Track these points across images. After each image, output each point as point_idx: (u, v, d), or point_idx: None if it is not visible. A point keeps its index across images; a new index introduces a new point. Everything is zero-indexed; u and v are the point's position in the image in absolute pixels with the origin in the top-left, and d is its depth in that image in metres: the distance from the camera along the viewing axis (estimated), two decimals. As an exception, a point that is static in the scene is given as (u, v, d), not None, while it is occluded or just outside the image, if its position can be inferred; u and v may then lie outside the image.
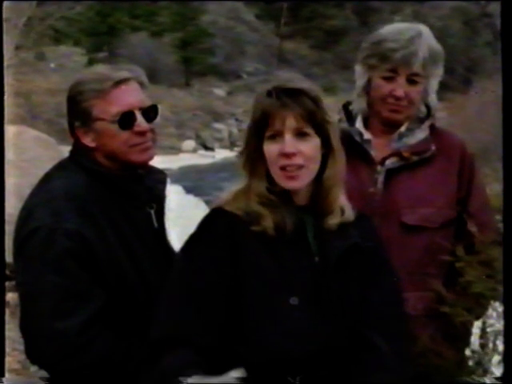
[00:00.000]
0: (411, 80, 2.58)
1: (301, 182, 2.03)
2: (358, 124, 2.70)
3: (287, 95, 2.00)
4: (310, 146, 2.02)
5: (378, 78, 2.61)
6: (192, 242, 2.07)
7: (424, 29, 2.62)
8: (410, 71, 2.57)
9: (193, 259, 2.04)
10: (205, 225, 2.08)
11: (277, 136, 2.00)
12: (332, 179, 2.06)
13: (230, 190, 2.10)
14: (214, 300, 1.99)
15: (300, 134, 2.00)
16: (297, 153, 1.99)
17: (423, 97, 2.65)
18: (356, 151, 2.63)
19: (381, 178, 2.61)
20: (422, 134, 2.66)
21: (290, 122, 1.99)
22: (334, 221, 2.07)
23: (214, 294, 1.99)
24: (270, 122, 2.00)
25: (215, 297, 1.99)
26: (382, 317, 2.08)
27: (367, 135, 2.68)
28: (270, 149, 2.02)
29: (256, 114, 2.03)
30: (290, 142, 1.99)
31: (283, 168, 2.01)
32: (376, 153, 2.65)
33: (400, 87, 2.57)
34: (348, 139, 2.62)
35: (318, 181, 2.06)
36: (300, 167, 2.01)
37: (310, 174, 2.04)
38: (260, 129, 2.02)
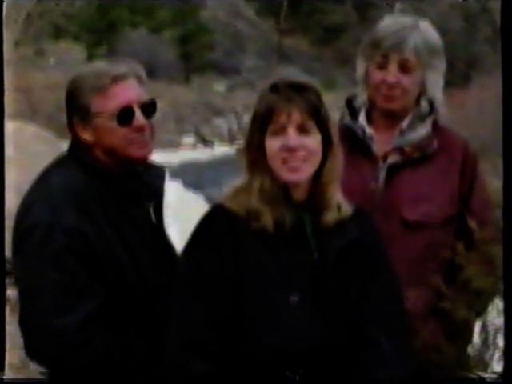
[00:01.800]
0: (403, 67, 2.58)
1: (303, 175, 2.04)
2: (361, 119, 2.70)
3: (293, 89, 2.01)
4: (313, 141, 2.03)
5: (373, 66, 2.62)
6: (193, 242, 2.07)
7: (422, 22, 2.64)
8: (401, 57, 2.58)
9: (196, 261, 2.04)
10: (205, 223, 2.08)
11: (280, 130, 2.01)
12: (330, 175, 2.07)
13: (231, 185, 2.11)
14: (221, 303, 2.00)
15: (303, 129, 2.02)
16: (300, 147, 2.00)
17: (423, 91, 2.64)
18: (358, 147, 2.63)
19: (382, 174, 2.61)
20: (424, 130, 2.66)
21: (295, 117, 2.00)
22: (330, 217, 2.07)
23: (220, 296, 2.00)
24: (274, 116, 2.01)
25: (222, 299, 2.00)
26: (382, 312, 2.09)
27: (369, 131, 2.68)
28: (273, 143, 2.02)
29: (260, 109, 2.04)
30: (293, 137, 2.00)
31: (285, 161, 2.01)
32: (378, 148, 2.65)
33: (391, 74, 2.58)
34: (350, 135, 2.63)
35: (317, 176, 2.06)
36: (302, 160, 2.01)
37: (312, 167, 2.05)
38: (263, 123, 2.03)
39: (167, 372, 2.03)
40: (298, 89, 2.02)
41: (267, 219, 2.02)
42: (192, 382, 1.98)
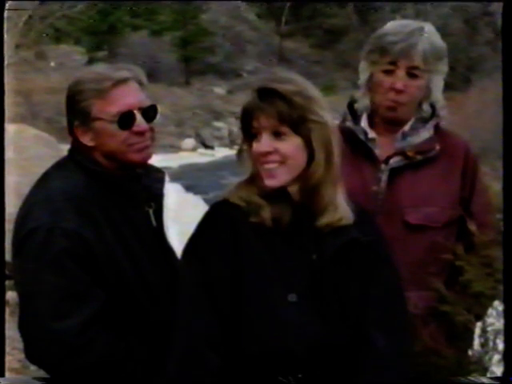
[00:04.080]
0: (411, 74, 2.58)
1: (279, 180, 2.05)
2: (363, 123, 2.71)
3: (260, 95, 2.03)
4: (288, 145, 2.03)
5: (379, 72, 2.62)
6: (195, 241, 2.09)
7: (427, 25, 2.63)
8: (410, 64, 2.57)
9: (200, 262, 2.05)
10: (206, 223, 2.10)
11: (257, 135, 2.04)
12: (315, 179, 2.06)
13: (236, 181, 2.14)
14: (224, 303, 2.00)
15: (276, 133, 2.03)
16: (272, 151, 2.02)
17: (426, 95, 2.65)
18: (360, 150, 2.63)
19: (384, 177, 2.61)
20: (426, 133, 2.66)
21: (263, 122, 2.02)
22: (323, 221, 2.06)
23: (223, 296, 2.01)
24: (250, 120, 2.04)
25: (225, 299, 2.00)
26: (383, 313, 2.09)
27: (372, 134, 2.68)
28: (253, 147, 2.05)
29: (241, 113, 2.07)
30: (265, 141, 2.03)
31: (262, 166, 2.04)
32: (380, 152, 2.65)
33: (400, 80, 2.58)
34: (352, 138, 2.63)
35: (306, 179, 2.07)
36: (278, 165, 2.03)
37: (289, 172, 2.05)
38: (245, 127, 2.06)
39: (177, 371, 2.02)
40: (266, 94, 2.03)
41: (265, 213, 2.04)
42: (205, 379, 1.98)
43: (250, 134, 2.06)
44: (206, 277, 2.02)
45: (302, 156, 2.05)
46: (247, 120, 2.05)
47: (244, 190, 2.09)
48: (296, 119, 2.02)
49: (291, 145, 2.03)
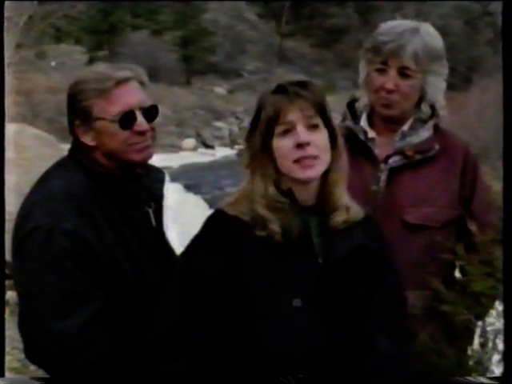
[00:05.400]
0: (402, 73, 2.58)
1: (316, 172, 2.02)
2: (363, 122, 2.71)
3: (298, 86, 2.02)
4: (321, 137, 2.03)
5: (373, 71, 2.63)
6: (193, 245, 2.07)
7: (424, 25, 2.63)
8: (400, 64, 2.58)
9: (194, 264, 2.04)
10: (206, 228, 2.07)
11: (288, 130, 2.01)
12: (338, 173, 2.07)
13: (231, 194, 2.10)
14: (208, 305, 1.99)
15: (311, 126, 2.01)
16: (311, 142, 2.00)
17: (422, 95, 2.65)
18: (360, 149, 2.64)
19: (384, 177, 2.62)
20: (425, 133, 2.67)
21: (304, 112, 2.00)
22: (339, 218, 2.06)
23: (208, 299, 1.99)
24: (281, 116, 2.00)
25: (210, 302, 1.99)
26: (388, 319, 2.08)
27: (371, 133, 2.69)
28: (284, 143, 2.01)
29: (267, 112, 2.02)
30: (302, 132, 2.00)
31: (298, 159, 2.00)
32: (379, 151, 2.65)
33: (390, 79, 2.58)
34: (352, 137, 2.63)
35: (324, 176, 2.06)
36: (314, 157, 2.01)
37: (324, 164, 2.04)
38: (270, 126, 2.02)
39: (143, 366, 2.04)
40: (303, 85, 2.03)
41: (275, 227, 2.00)
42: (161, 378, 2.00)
43: (271, 133, 2.02)
44: (193, 281, 2.02)
45: (329, 149, 2.06)
46: (277, 117, 2.02)
47: (244, 202, 2.05)
48: (327, 110, 2.05)
49: (324, 137, 2.04)
